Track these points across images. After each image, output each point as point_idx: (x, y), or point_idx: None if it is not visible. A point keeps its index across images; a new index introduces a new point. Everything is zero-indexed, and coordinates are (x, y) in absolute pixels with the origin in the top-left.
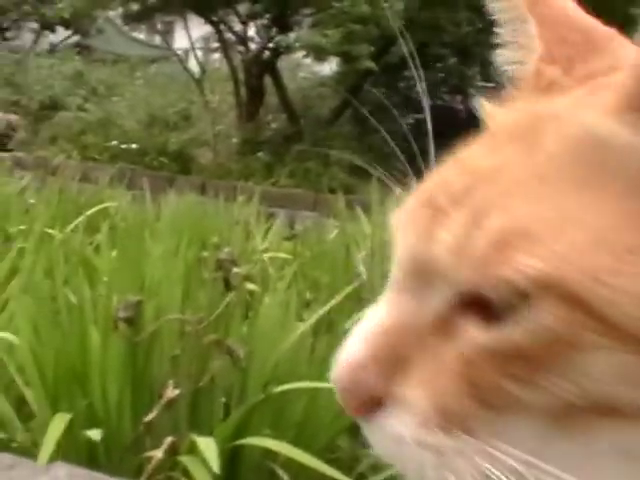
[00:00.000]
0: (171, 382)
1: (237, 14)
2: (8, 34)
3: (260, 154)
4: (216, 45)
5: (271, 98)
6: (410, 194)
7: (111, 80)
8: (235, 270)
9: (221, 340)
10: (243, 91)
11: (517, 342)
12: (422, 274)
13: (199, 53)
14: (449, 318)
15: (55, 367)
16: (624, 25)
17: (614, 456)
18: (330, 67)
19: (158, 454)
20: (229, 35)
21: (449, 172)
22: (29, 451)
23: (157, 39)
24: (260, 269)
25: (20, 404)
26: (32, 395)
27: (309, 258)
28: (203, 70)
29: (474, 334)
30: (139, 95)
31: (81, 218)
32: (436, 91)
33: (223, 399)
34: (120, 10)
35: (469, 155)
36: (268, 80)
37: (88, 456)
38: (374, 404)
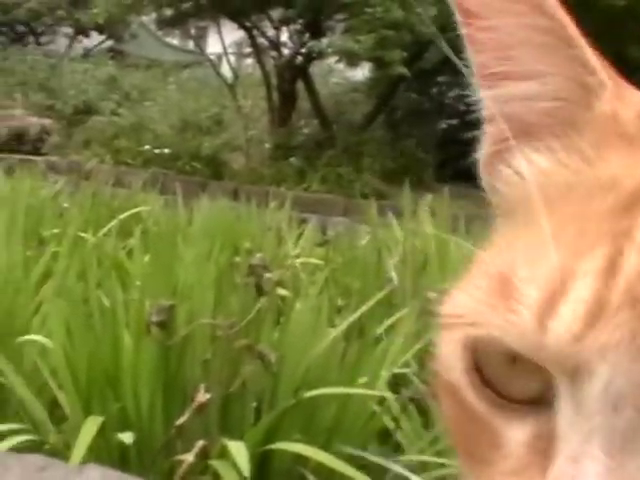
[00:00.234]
0: (202, 386)
1: (270, 19)
2: (43, 39)
3: (292, 159)
4: (249, 50)
5: (303, 103)
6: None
7: (144, 85)
8: (267, 275)
9: (252, 345)
10: (275, 96)
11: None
12: None
13: (232, 58)
14: None
15: (88, 370)
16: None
17: None
18: (363, 73)
19: (189, 458)
20: (262, 40)
21: None
22: (61, 453)
23: (190, 44)
24: (292, 275)
25: (53, 407)
26: (65, 398)
27: (341, 264)
28: (236, 75)
29: None
30: (172, 100)
31: (114, 222)
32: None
33: (254, 404)
34: (154, 15)
35: None
36: (300, 85)
37: (120, 459)
38: None
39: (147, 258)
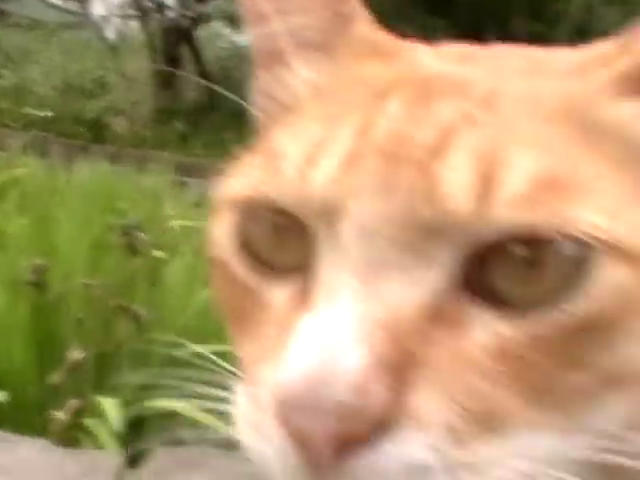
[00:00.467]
0: (76, 345)
1: None
2: None
3: (176, 123)
4: (134, 12)
5: (189, 67)
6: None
7: (26, 46)
8: (141, 236)
9: (126, 305)
10: (160, 60)
11: (582, 312)
12: (419, 240)
13: (116, 20)
14: (457, 301)
15: None
16: None
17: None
18: (248, 38)
19: (62, 416)
20: (147, 3)
21: (404, 123)
22: None
23: (74, 5)
24: (170, 237)
25: None
26: None
27: None
28: (120, 38)
29: (493, 322)
30: (55, 62)
31: None
32: None
33: (128, 362)
34: None
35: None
36: (186, 49)
37: None
38: (379, 428)
39: (25, 221)
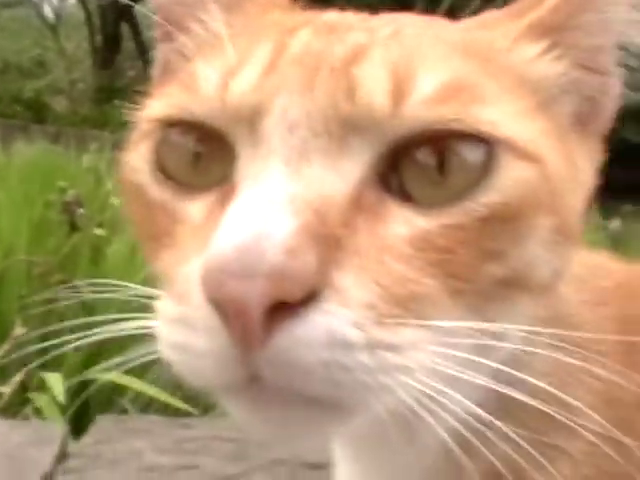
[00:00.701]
0: (18, 321)
1: None
2: None
3: (116, 102)
4: None
5: (129, 45)
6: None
7: None
8: (80, 211)
9: (67, 280)
10: (99, 38)
11: (492, 204)
12: (340, 132)
13: None
14: (376, 195)
15: None
16: None
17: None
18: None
19: (6, 390)
20: None
21: (317, 43)
22: None
23: None
24: (111, 215)
25: None
26: None
27: None
28: (58, 16)
29: (409, 215)
30: None
31: None
32: None
33: (71, 337)
34: None
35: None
36: (125, 27)
37: None
38: (308, 297)
39: None
